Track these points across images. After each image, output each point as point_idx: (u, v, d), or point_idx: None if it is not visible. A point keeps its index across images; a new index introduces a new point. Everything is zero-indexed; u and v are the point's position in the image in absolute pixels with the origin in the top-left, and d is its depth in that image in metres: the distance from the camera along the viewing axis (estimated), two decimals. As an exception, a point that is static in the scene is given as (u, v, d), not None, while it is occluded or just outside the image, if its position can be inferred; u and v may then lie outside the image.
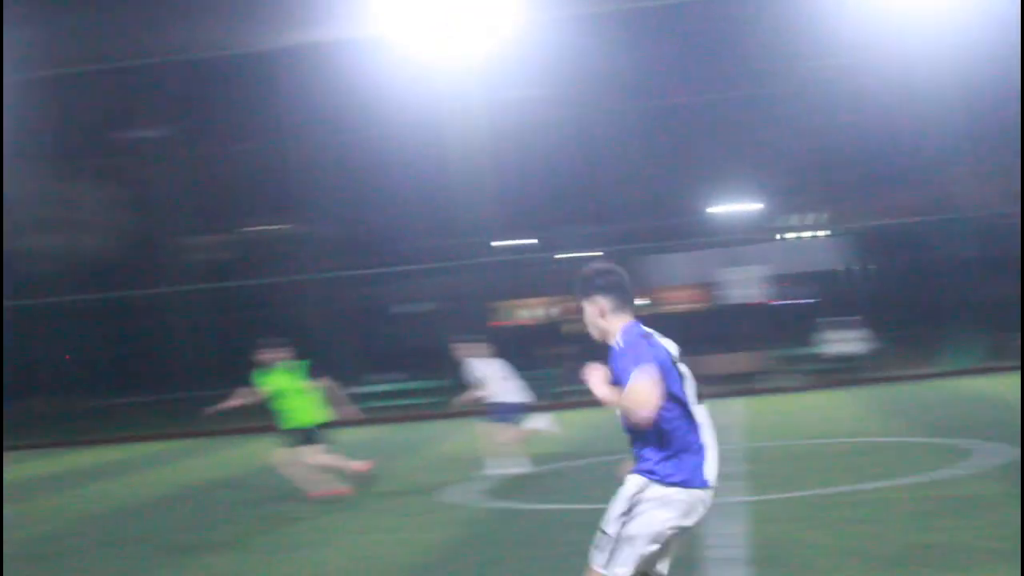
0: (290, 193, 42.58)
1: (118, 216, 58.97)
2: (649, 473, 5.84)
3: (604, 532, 5.85)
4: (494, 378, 16.92)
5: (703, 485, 5.84)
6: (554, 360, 32.53)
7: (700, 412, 5.92)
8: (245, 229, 53.74)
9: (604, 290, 6.03)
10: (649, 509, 5.80)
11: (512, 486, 15.40)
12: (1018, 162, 32.79)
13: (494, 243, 39.47)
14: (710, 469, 5.88)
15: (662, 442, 5.81)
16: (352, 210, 41.66)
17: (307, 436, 15.26)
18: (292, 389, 15.24)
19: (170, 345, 39.44)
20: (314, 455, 15.34)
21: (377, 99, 34.33)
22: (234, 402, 15.51)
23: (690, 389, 5.91)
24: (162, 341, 39.49)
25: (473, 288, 38.61)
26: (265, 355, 15.36)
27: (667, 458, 5.82)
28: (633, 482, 5.87)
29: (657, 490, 5.80)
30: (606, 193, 38.53)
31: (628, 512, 5.82)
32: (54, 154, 36.49)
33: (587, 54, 34.81)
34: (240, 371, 16.52)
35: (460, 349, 17.34)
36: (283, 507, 15.15)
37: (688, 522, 5.86)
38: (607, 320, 6.01)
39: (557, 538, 11.05)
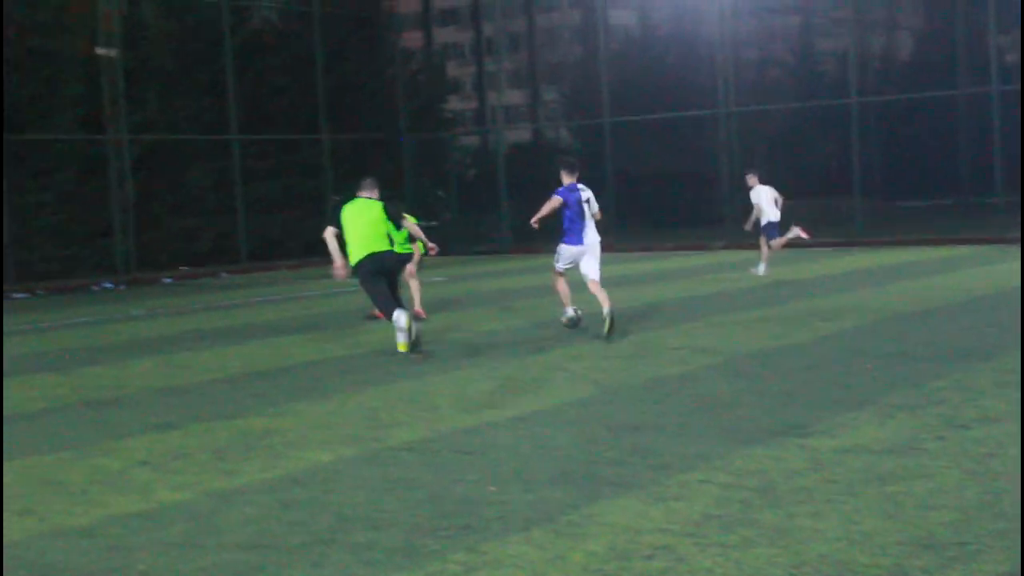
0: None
1: (915, 16, 57.23)
2: (560, 240, 15.47)
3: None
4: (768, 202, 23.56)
5: (579, 244, 15.26)
6: None
7: (587, 219, 15.27)
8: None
9: (562, 166, 15.67)
10: (560, 251, 15.42)
11: None
12: None
13: None
14: (585, 239, 15.27)
15: (563, 228, 15.37)
16: None
17: None
18: None
19: (959, 148, 37.80)
20: None
21: None
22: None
23: (584, 210, 15.22)
24: (953, 144, 37.89)
25: None
26: None
27: (564, 233, 15.35)
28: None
29: (561, 246, 15.40)
30: None
31: (555, 255, 15.57)
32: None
33: None
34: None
35: (751, 179, 23.83)
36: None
37: (576, 258, 15.39)
38: (563, 180, 15.41)
39: None
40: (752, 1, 44.05)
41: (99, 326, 20.43)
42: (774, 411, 9.62)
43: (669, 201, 41.26)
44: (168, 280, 32.56)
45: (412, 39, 66.58)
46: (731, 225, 35.91)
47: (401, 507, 7.17)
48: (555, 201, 15.27)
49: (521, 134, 56.19)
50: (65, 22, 34.26)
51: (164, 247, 35.52)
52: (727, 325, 15.80)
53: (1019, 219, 29.46)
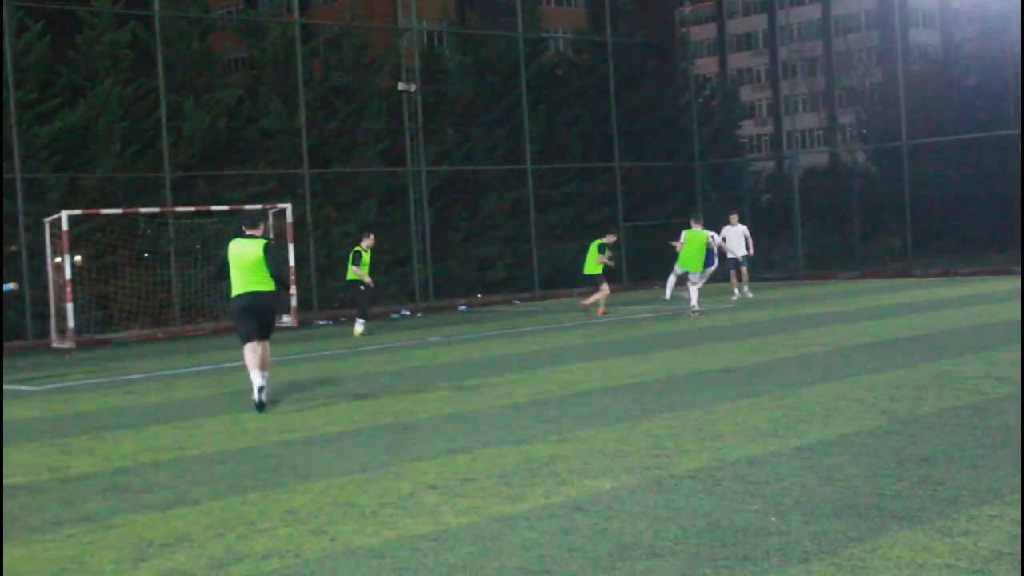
0: None
1: None
2: None
3: None
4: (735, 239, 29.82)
5: None
6: None
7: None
8: None
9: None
10: None
11: None
12: None
13: None
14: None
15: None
16: None
17: None
18: None
19: None
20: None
21: None
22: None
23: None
24: None
25: None
26: None
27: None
28: None
29: None
30: None
31: None
32: None
33: None
34: None
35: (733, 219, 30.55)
36: None
37: None
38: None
39: None
40: (1063, 15, 42.10)
41: (397, 352, 21.12)
42: (1076, 445, 9.18)
43: (969, 225, 39.78)
44: (463, 307, 33.36)
45: (706, 65, 66.40)
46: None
47: (682, 535, 7.17)
48: None
49: (817, 158, 55.29)
50: (368, 59, 35.66)
51: (460, 275, 36.47)
52: (1030, 354, 15.14)
53: None
